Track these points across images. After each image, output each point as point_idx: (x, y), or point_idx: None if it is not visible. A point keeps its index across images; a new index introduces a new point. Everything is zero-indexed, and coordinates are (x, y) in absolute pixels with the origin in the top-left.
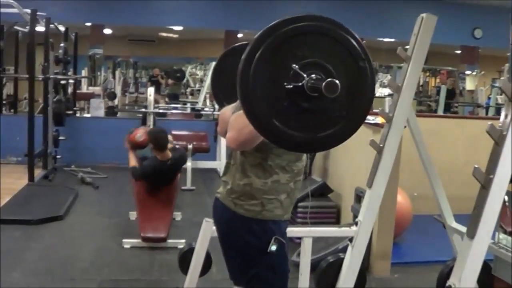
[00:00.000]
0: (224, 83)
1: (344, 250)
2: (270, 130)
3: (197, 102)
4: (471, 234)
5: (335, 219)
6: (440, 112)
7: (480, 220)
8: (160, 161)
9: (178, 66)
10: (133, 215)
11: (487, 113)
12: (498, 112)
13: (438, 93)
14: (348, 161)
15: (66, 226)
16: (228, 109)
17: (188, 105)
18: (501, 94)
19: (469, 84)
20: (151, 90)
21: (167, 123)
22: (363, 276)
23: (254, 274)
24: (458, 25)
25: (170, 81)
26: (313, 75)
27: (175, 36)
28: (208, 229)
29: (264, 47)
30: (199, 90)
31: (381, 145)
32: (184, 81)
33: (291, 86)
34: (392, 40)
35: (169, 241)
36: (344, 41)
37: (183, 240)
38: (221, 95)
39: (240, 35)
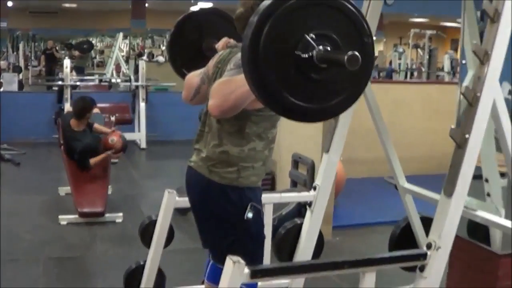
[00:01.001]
0: (182, 49)
1: (288, 216)
2: (279, 102)
3: (104, 74)
4: (449, 192)
5: (270, 186)
6: None
7: (458, 178)
8: (71, 128)
9: (76, 38)
10: (62, 190)
11: (391, 77)
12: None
13: None
14: (283, 127)
15: None
16: (195, 74)
17: (96, 76)
18: (400, 59)
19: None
20: (67, 63)
21: (82, 94)
22: (321, 239)
23: (232, 242)
24: None
25: (76, 53)
26: (321, 47)
27: (74, 5)
28: (171, 200)
29: (276, 15)
30: (102, 62)
31: None
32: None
33: (306, 56)
34: None
35: (106, 215)
36: (352, 16)
37: (120, 214)
38: (179, 61)
39: (147, 5)
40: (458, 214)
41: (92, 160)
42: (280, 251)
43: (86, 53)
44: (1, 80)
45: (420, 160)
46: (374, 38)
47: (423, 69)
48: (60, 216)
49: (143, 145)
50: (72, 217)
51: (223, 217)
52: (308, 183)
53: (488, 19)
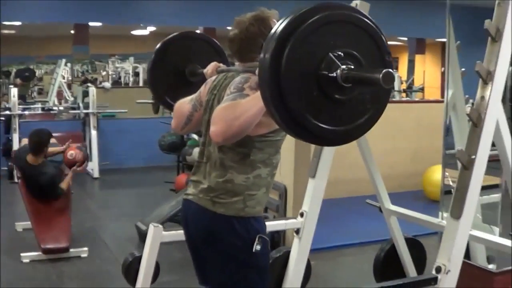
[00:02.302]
0: (163, 75)
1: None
2: (303, 126)
3: (47, 101)
4: (457, 214)
5: None
6: None
7: (466, 200)
8: (29, 164)
9: (12, 66)
10: (19, 226)
11: None
12: None
13: None
14: None
15: None
16: (185, 102)
17: (39, 104)
18: None
19: None
20: (15, 91)
21: (31, 125)
22: (309, 266)
23: (239, 279)
24: None
25: (18, 81)
26: (345, 66)
27: (13, 32)
28: (157, 235)
29: (297, 35)
30: (41, 89)
31: None
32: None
33: (331, 75)
34: None
35: (71, 250)
36: (374, 34)
37: (85, 248)
38: (161, 88)
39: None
40: (466, 236)
41: (64, 184)
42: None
43: (29, 81)
44: None
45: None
46: None
47: None
48: (22, 254)
49: (96, 174)
50: (35, 254)
51: (231, 254)
52: (281, 209)
53: (489, 38)
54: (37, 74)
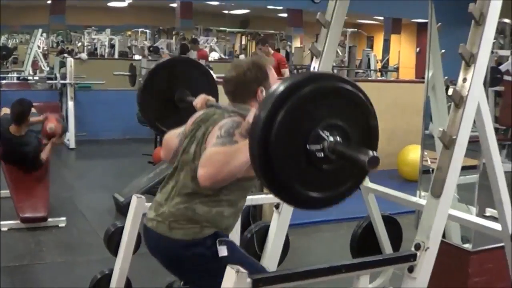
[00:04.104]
0: (154, 103)
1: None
2: (291, 194)
3: (22, 71)
4: (437, 193)
5: None
6: None
7: (446, 179)
8: (12, 134)
9: None
10: None
11: None
12: None
13: None
14: None
15: None
16: (174, 135)
17: (14, 74)
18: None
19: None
20: None
21: (8, 94)
22: (287, 241)
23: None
24: None
25: None
26: (332, 138)
27: None
28: (140, 206)
29: (285, 111)
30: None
31: None
32: None
33: (316, 149)
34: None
35: (49, 219)
36: (358, 100)
37: (63, 218)
38: (151, 115)
39: None
40: (446, 215)
41: (44, 155)
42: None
43: (6, 59)
44: None
45: None
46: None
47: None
48: (0, 222)
49: (72, 145)
50: (13, 222)
51: (200, 269)
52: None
53: (473, 21)
54: (11, 44)
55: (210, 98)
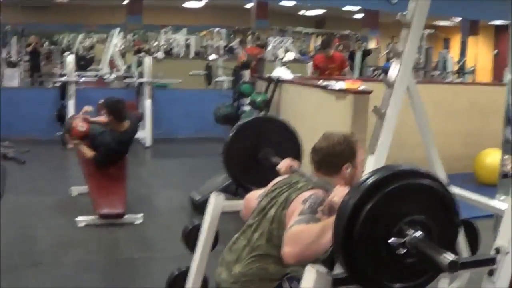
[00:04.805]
0: (237, 158)
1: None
2: (371, 283)
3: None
4: None
5: None
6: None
7: None
8: (120, 132)
9: (63, 34)
10: (74, 190)
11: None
12: None
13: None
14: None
15: (5, 207)
16: (254, 197)
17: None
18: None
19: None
20: (71, 58)
21: (85, 91)
22: None
23: None
24: None
25: None
26: (414, 234)
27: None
28: (218, 204)
29: (372, 205)
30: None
31: (382, 111)
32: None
33: (399, 242)
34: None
35: (126, 216)
36: (446, 201)
37: (140, 215)
38: (235, 169)
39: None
40: None
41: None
42: None
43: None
44: None
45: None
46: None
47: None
48: (77, 218)
49: (148, 143)
50: (90, 218)
51: None
52: None
53: None
54: (88, 43)
55: (295, 164)
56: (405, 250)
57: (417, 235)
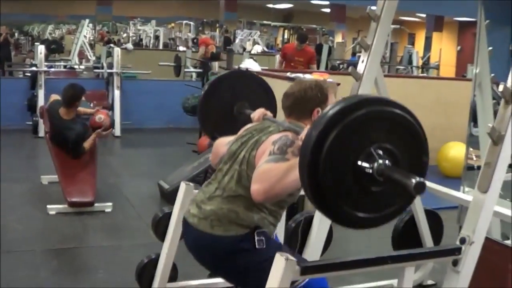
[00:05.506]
0: (213, 114)
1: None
2: (335, 211)
3: (69, 60)
4: (484, 188)
5: None
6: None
7: (494, 174)
8: (60, 117)
9: (33, 24)
10: (45, 179)
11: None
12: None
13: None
14: None
15: None
16: (223, 143)
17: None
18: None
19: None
20: (41, 48)
21: (55, 82)
22: (330, 231)
23: (260, 274)
24: None
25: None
26: (381, 160)
27: None
28: (188, 193)
29: (337, 131)
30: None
31: None
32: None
33: (369, 169)
34: None
35: (96, 205)
36: (416, 134)
37: (110, 203)
38: (210, 124)
39: None
40: (492, 210)
41: (87, 144)
42: (290, 245)
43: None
44: None
45: None
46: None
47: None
48: (48, 206)
49: (117, 133)
50: (61, 206)
51: (242, 266)
52: None
53: None
54: (57, 34)
55: (268, 112)
56: (371, 177)
57: (385, 162)
